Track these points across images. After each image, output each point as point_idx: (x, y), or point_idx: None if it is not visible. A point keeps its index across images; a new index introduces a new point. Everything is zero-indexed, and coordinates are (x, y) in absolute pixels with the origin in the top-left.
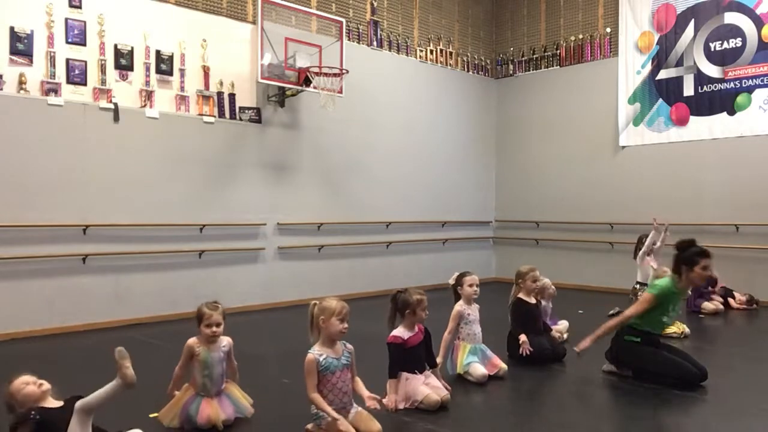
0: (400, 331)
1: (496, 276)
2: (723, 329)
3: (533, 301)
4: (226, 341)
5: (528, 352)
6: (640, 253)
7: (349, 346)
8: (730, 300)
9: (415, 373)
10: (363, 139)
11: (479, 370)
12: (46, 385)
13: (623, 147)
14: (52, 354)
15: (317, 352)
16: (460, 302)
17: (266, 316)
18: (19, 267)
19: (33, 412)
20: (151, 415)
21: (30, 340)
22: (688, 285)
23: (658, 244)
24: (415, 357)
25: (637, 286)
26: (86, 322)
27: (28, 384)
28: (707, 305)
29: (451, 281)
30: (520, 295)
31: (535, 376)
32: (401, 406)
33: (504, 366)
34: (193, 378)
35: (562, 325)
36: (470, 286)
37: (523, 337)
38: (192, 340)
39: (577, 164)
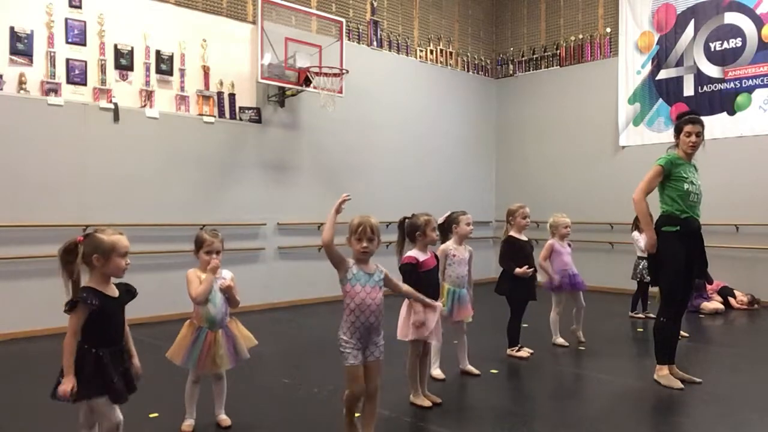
0: (415, 253)
1: (496, 276)
2: (723, 329)
3: (524, 238)
4: (225, 273)
5: (528, 273)
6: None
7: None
8: (731, 300)
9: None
10: (363, 139)
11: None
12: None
13: (623, 147)
14: (52, 354)
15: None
16: (449, 242)
17: (266, 316)
18: (19, 267)
19: (92, 299)
20: (151, 415)
21: (30, 340)
22: (683, 155)
23: None
24: (428, 282)
25: (638, 261)
26: None
27: (121, 260)
28: (706, 305)
29: (441, 220)
30: (511, 233)
31: (535, 375)
32: (410, 336)
33: (468, 318)
34: (195, 310)
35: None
36: (468, 224)
37: (519, 270)
38: (192, 269)
39: (577, 164)
